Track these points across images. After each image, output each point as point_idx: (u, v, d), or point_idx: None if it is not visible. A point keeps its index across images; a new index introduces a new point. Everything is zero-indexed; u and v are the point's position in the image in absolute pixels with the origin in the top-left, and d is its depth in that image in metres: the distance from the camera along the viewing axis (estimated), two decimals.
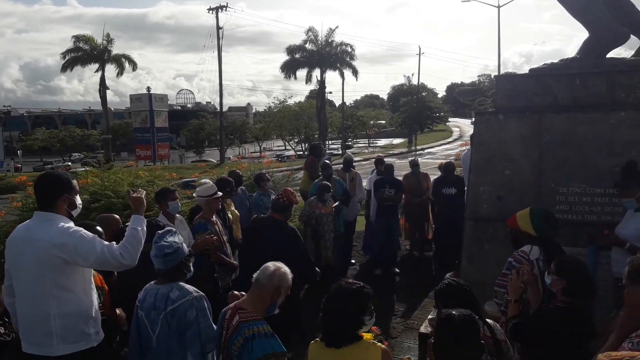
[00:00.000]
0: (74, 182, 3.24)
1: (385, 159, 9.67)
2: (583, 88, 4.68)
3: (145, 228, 3.35)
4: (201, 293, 3.27)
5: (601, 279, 4.34)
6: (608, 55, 4.95)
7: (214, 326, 3.16)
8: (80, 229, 3.09)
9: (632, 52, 5.15)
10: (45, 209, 3.08)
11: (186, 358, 3.14)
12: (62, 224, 3.03)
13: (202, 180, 5.48)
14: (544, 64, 5.16)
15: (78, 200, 3.27)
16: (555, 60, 5.15)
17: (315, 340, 2.76)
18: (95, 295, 3.23)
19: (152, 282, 3.32)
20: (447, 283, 2.94)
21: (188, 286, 3.26)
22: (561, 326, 2.93)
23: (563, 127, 4.64)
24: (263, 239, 5.01)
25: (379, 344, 2.76)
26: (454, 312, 2.15)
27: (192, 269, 3.42)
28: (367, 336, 3.06)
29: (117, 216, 4.50)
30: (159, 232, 3.34)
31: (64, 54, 42.69)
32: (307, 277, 5.28)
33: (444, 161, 9.67)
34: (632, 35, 4.93)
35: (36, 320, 2.99)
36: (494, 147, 4.92)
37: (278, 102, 58.12)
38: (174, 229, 3.49)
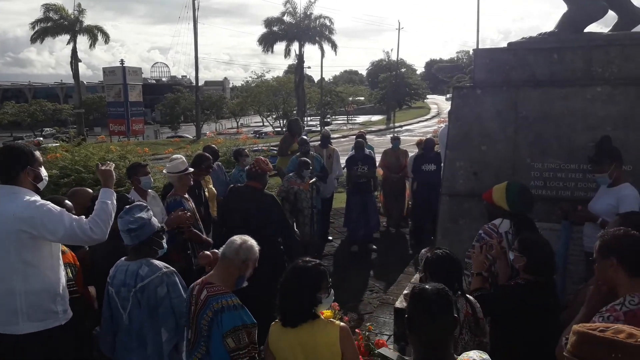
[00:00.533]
0: (37, 153, 3.12)
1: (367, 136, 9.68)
2: (560, 63, 4.66)
3: (115, 202, 3.25)
4: (171, 268, 3.22)
5: (573, 254, 4.40)
6: (586, 30, 4.93)
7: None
8: (48, 202, 2.98)
9: (609, 28, 5.13)
10: (9, 182, 2.96)
11: (160, 333, 3.11)
12: (27, 197, 2.92)
13: (174, 156, 5.33)
14: (522, 38, 5.11)
15: (43, 172, 3.14)
16: (532, 34, 5.12)
17: (275, 321, 2.73)
18: (62, 272, 3.13)
19: (123, 259, 3.25)
20: (439, 254, 2.96)
21: (157, 262, 3.19)
22: (519, 303, 3.00)
23: (539, 102, 4.62)
24: (244, 207, 4.96)
25: (337, 321, 2.74)
26: (427, 287, 2.13)
27: (164, 245, 3.35)
28: (327, 313, 3.06)
29: (89, 190, 4.37)
30: (127, 207, 3.24)
31: (33, 24, 41.47)
32: (290, 244, 5.26)
33: (423, 138, 9.67)
34: (609, 11, 4.92)
35: (1, 297, 2.89)
36: (471, 122, 4.89)
37: (256, 77, 57.37)
38: (144, 204, 3.40)
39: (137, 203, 3.45)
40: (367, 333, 3.93)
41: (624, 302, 2.34)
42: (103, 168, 3.37)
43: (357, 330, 3.95)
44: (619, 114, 4.37)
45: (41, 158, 3.18)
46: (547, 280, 3.12)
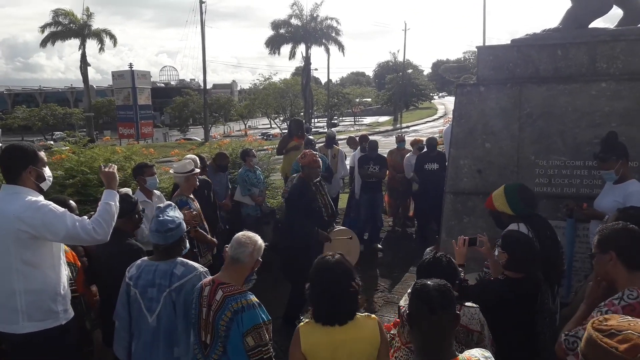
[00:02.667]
0: (41, 153, 3.12)
1: (371, 137, 9.66)
2: (564, 59, 4.63)
3: (118, 203, 3.27)
4: (205, 268, 3.23)
5: (578, 252, 4.37)
6: (590, 26, 4.90)
7: None
8: (50, 203, 2.99)
9: (615, 25, 5.09)
10: (11, 182, 2.97)
11: (189, 336, 3.07)
12: (29, 197, 2.93)
13: (187, 156, 5.40)
14: (526, 35, 5.09)
15: (47, 172, 3.15)
16: (538, 31, 5.08)
17: (306, 321, 2.70)
18: (64, 272, 3.13)
19: (146, 259, 3.23)
20: (428, 259, 2.95)
21: (191, 262, 3.21)
22: (498, 298, 3.04)
23: (543, 98, 4.60)
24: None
25: (372, 315, 2.74)
26: (428, 282, 2.12)
27: (188, 245, 3.38)
28: None
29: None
30: (160, 205, 3.28)
31: (42, 28, 41.81)
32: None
33: (419, 138, 9.68)
34: (614, 6, 4.88)
35: (1, 296, 2.91)
36: (475, 119, 4.87)
37: (263, 79, 57.44)
38: (173, 204, 3.42)
39: (168, 202, 3.46)
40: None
41: (623, 297, 2.32)
42: (106, 170, 3.37)
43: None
44: (624, 109, 4.34)
45: (45, 158, 3.18)
46: (528, 277, 3.13)
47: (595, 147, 4.16)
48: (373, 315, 2.71)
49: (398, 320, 2.98)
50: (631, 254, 2.37)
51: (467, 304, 2.93)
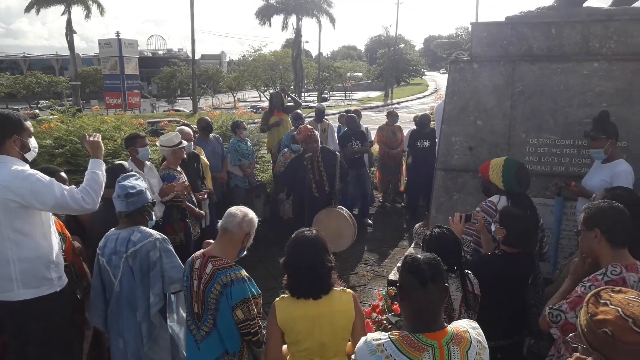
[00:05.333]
0: (27, 123, 3.07)
1: (363, 112, 9.62)
2: (558, 37, 4.62)
3: (104, 172, 3.27)
4: (164, 236, 3.26)
5: (565, 229, 4.45)
6: (585, 5, 4.89)
7: (183, 266, 3.13)
8: (36, 172, 2.97)
9: (609, 4, 5.08)
10: None
11: (149, 298, 3.16)
12: (15, 166, 2.90)
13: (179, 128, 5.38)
14: (521, 12, 5.06)
15: (32, 142, 3.11)
16: (532, 9, 5.06)
17: (282, 296, 2.76)
18: (55, 240, 3.15)
19: (113, 229, 3.28)
20: (436, 232, 3.02)
21: (150, 229, 3.23)
22: (497, 272, 3.13)
23: (536, 77, 4.60)
24: None
25: (347, 289, 2.79)
26: (419, 255, 2.16)
27: (154, 217, 3.40)
28: None
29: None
30: (123, 174, 3.27)
31: None
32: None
33: (417, 114, 9.65)
34: None
35: None
36: (467, 96, 4.88)
37: (253, 51, 56.64)
38: (138, 175, 3.43)
39: (133, 172, 3.47)
40: (387, 295, 4.01)
41: (606, 272, 2.40)
42: (91, 139, 3.35)
43: (377, 291, 3.99)
44: (615, 89, 4.36)
45: (32, 128, 3.14)
46: (525, 252, 3.23)
47: (586, 126, 4.19)
48: (348, 290, 2.78)
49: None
50: (615, 232, 2.44)
51: (469, 273, 3.03)
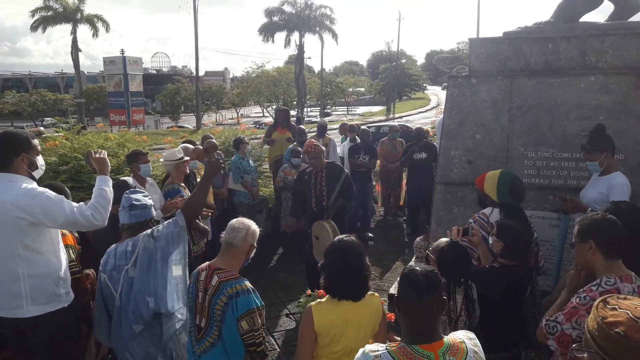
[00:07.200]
0: (35, 141, 3.12)
1: (363, 127, 9.73)
2: (555, 52, 4.69)
3: (111, 188, 3.31)
4: (149, 230, 3.26)
5: (567, 243, 4.46)
6: (581, 20, 4.96)
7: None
8: (46, 190, 3.02)
9: (605, 18, 5.15)
10: (3, 170, 2.96)
11: (165, 279, 3.14)
12: (24, 184, 2.95)
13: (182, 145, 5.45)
14: (518, 28, 5.14)
15: (40, 160, 3.16)
16: (530, 24, 5.14)
17: (318, 301, 2.82)
18: (64, 256, 3.19)
19: (112, 246, 3.30)
20: (446, 245, 3.10)
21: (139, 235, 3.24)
22: (494, 285, 3.15)
23: (534, 91, 4.66)
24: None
25: (375, 293, 2.89)
26: (416, 268, 2.19)
27: None
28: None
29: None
30: (133, 187, 3.33)
31: (33, 12, 41.18)
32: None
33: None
34: (605, 0, 4.93)
35: (5, 282, 2.93)
36: (466, 111, 4.94)
37: (256, 67, 57.08)
38: (146, 192, 3.48)
39: (139, 189, 3.53)
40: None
41: (600, 283, 2.43)
42: (97, 156, 3.39)
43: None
44: (611, 103, 4.42)
45: (39, 147, 3.19)
46: (522, 265, 3.24)
47: (583, 139, 4.23)
48: (376, 294, 2.87)
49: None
50: (609, 243, 2.47)
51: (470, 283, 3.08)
